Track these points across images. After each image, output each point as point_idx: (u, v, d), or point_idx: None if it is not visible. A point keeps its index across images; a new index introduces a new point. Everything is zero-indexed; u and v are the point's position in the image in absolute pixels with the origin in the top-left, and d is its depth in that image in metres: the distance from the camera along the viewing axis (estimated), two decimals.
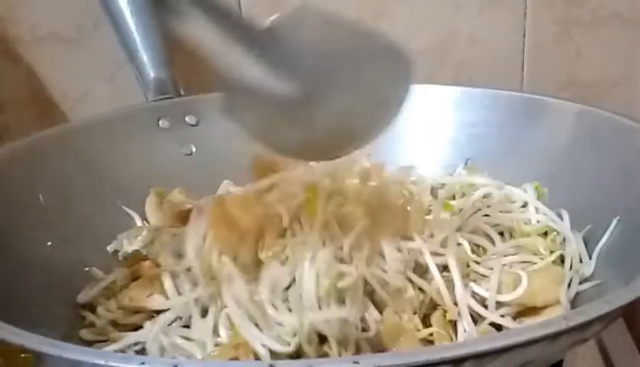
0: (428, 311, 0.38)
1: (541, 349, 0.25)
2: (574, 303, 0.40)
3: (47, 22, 0.62)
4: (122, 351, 0.37)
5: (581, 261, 0.42)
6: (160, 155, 0.54)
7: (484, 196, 0.49)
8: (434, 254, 0.40)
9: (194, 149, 0.56)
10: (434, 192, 0.50)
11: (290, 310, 0.36)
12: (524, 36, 0.65)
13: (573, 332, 0.25)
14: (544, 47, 0.65)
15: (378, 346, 0.35)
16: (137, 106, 0.56)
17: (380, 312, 0.36)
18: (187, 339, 0.37)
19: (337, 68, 0.32)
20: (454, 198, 0.50)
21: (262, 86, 0.31)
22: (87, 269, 0.44)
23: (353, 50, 0.30)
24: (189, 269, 0.40)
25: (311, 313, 0.35)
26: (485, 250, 0.43)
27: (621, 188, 0.42)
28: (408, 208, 0.42)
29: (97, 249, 0.46)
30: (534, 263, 0.42)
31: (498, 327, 0.37)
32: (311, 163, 0.43)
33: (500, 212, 0.47)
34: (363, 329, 0.36)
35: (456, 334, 0.37)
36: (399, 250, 0.39)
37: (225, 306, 0.37)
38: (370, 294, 0.37)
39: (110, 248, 0.47)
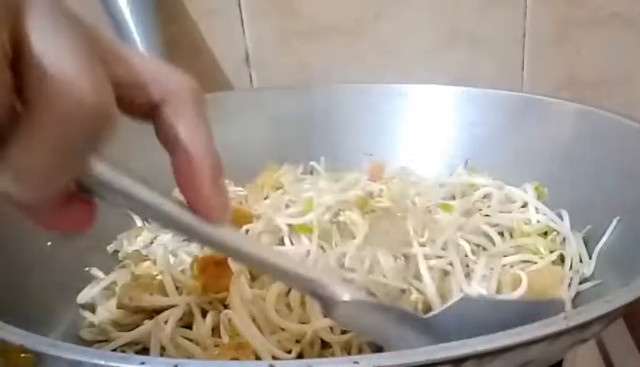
0: (428, 311, 0.38)
1: (541, 349, 0.25)
2: (574, 303, 0.40)
3: None
4: (122, 351, 0.37)
5: (581, 261, 0.42)
6: (160, 155, 0.54)
7: (484, 196, 0.49)
8: (435, 257, 0.40)
9: None
10: (434, 192, 0.50)
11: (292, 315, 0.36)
12: (524, 36, 0.64)
13: (573, 332, 0.25)
14: (544, 47, 0.65)
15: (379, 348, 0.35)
16: None
17: None
18: (188, 339, 0.37)
19: None
20: (454, 198, 0.50)
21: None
22: (87, 269, 0.44)
23: (516, 318, 0.29)
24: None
25: (316, 320, 0.35)
26: (485, 250, 0.43)
27: (621, 188, 0.42)
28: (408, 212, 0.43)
29: (97, 249, 0.46)
30: (535, 263, 0.42)
31: None
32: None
33: (500, 212, 0.48)
34: None
35: None
36: (396, 259, 0.39)
37: (226, 307, 0.37)
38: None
39: (110, 248, 0.47)
